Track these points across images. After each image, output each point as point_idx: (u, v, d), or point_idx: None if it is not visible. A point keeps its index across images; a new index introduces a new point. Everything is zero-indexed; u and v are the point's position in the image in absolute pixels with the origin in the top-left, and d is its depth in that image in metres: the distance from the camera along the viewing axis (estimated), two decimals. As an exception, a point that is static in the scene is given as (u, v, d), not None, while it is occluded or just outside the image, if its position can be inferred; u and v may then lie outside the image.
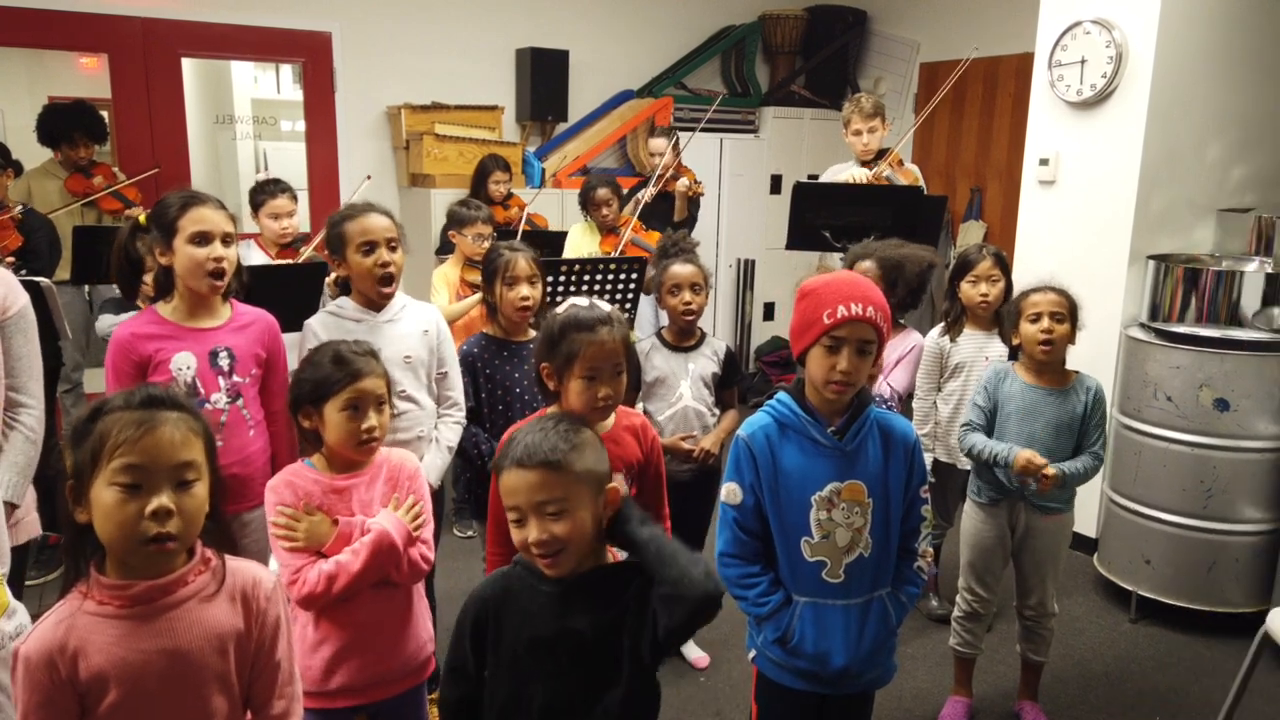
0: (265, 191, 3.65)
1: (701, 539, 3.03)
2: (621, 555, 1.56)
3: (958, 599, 2.79)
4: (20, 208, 3.67)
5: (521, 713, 1.50)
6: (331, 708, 1.92)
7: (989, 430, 2.65)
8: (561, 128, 6.02)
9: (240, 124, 6.62)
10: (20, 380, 2.08)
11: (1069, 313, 2.56)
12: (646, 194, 4.58)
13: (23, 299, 2.08)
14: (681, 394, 2.87)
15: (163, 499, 1.26)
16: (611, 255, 4.24)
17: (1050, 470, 2.51)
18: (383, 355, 2.01)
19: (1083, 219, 3.82)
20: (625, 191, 4.69)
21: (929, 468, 3.14)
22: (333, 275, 3.10)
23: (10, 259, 3.38)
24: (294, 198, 3.69)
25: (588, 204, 4.48)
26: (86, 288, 3.90)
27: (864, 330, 1.75)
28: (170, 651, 1.31)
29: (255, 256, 3.64)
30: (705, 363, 2.89)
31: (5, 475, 2.02)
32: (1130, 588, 3.45)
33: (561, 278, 3.39)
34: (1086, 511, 3.64)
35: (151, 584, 1.31)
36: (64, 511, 1.30)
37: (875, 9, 6.61)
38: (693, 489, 2.86)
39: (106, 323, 3.06)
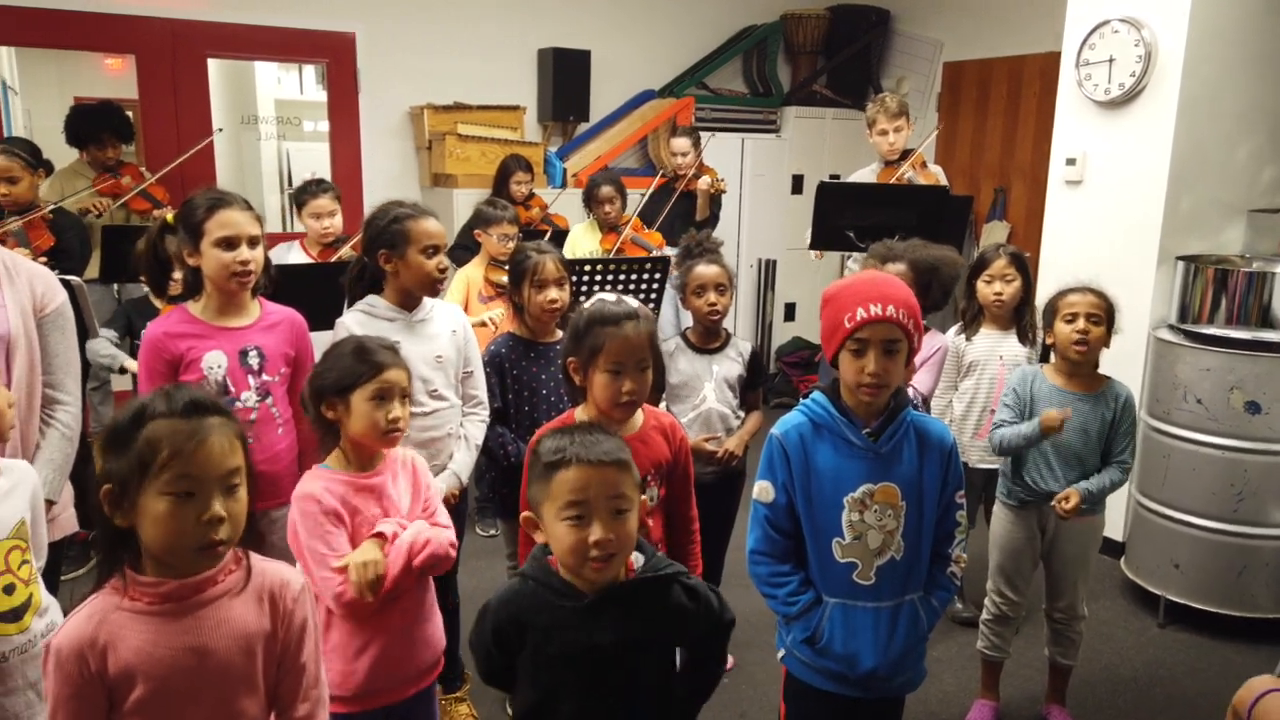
0: (307, 191, 3.69)
1: (725, 541, 3.03)
2: (636, 565, 1.55)
3: (986, 602, 2.77)
4: (51, 207, 3.70)
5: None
6: (361, 710, 1.92)
7: None
8: (583, 128, 6.02)
9: (264, 124, 6.67)
10: (57, 377, 2.10)
11: (1106, 315, 2.53)
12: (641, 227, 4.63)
13: (60, 296, 2.11)
14: (705, 396, 2.85)
15: (216, 507, 1.28)
16: (640, 255, 4.25)
17: (1074, 498, 2.51)
18: (415, 353, 2.01)
19: (1110, 219, 3.79)
20: (645, 194, 4.71)
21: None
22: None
23: (43, 258, 3.41)
24: (336, 197, 3.71)
25: (591, 201, 4.53)
26: (115, 286, 3.93)
27: (887, 330, 1.73)
28: (198, 649, 1.32)
29: (295, 256, 3.66)
30: (730, 365, 2.88)
31: (43, 472, 2.03)
32: (1159, 592, 3.42)
33: (585, 278, 3.39)
34: (1114, 515, 3.59)
35: (182, 582, 1.32)
36: (99, 515, 1.31)
37: (898, 8, 6.57)
38: (716, 491, 2.84)
39: (99, 347, 3.10)
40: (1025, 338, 3.08)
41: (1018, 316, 3.10)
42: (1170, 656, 3.21)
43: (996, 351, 3.10)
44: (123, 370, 3.22)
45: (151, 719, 1.31)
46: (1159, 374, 3.47)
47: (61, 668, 1.28)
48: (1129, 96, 3.65)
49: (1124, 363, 3.25)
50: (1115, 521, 3.68)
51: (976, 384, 3.13)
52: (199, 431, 1.29)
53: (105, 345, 3.16)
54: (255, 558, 1.42)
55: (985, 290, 3.09)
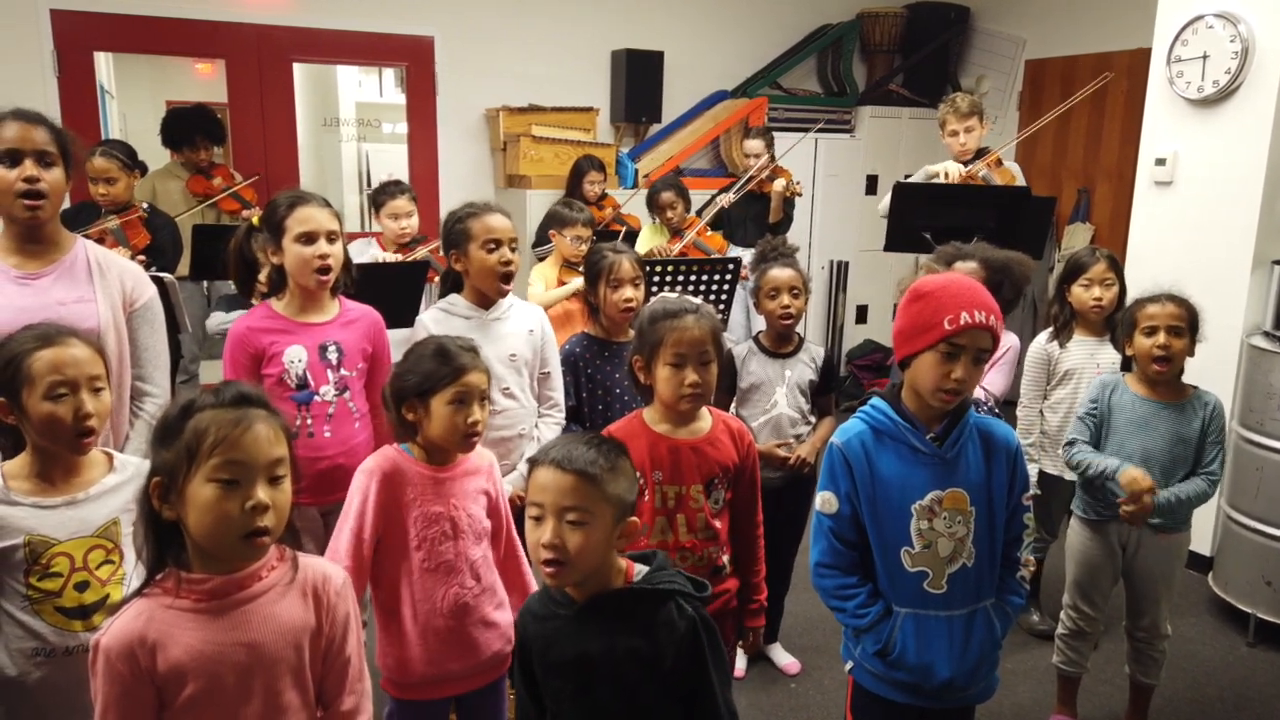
0: (385, 192, 3.78)
1: (794, 547, 3.00)
2: (636, 574, 1.53)
3: (1062, 616, 2.69)
4: (145, 206, 3.85)
5: None
6: (422, 699, 1.96)
7: (1096, 445, 2.54)
8: (655, 129, 6.04)
9: (345, 126, 6.85)
10: (146, 370, 2.17)
11: (1188, 325, 2.41)
12: (725, 198, 4.61)
13: (150, 291, 2.18)
14: (776, 401, 2.83)
15: (261, 494, 1.29)
16: (711, 256, 4.25)
17: (1149, 498, 2.40)
18: (489, 353, 2.03)
19: (1202, 222, 3.65)
20: (716, 193, 4.71)
21: (1034, 479, 3.03)
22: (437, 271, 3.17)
23: (140, 256, 3.55)
24: (413, 199, 3.80)
25: (653, 206, 4.59)
26: (205, 283, 4.07)
27: (984, 339, 1.69)
28: (246, 645, 1.33)
29: (373, 253, 3.75)
30: (803, 370, 2.85)
31: None
32: (1248, 610, 3.28)
33: (655, 278, 3.40)
34: (1201, 529, 3.45)
35: (227, 578, 1.33)
36: (145, 508, 1.33)
37: (978, 5, 6.43)
38: (785, 496, 2.82)
39: (217, 320, 3.22)
40: (1120, 345, 2.97)
41: (1111, 323, 3.00)
42: (1259, 677, 3.08)
43: (1094, 359, 2.98)
44: None
45: (203, 716, 1.32)
46: (1252, 383, 3.33)
47: (111, 667, 1.28)
48: (1224, 94, 3.51)
49: (1215, 371, 3.12)
50: (1203, 535, 3.54)
51: (1073, 393, 3.00)
52: (244, 419, 1.30)
53: (222, 315, 3.26)
54: (298, 555, 1.43)
55: (1084, 295, 2.97)
